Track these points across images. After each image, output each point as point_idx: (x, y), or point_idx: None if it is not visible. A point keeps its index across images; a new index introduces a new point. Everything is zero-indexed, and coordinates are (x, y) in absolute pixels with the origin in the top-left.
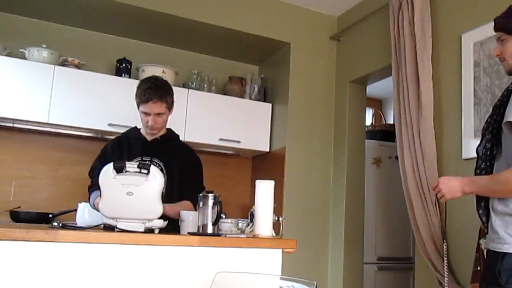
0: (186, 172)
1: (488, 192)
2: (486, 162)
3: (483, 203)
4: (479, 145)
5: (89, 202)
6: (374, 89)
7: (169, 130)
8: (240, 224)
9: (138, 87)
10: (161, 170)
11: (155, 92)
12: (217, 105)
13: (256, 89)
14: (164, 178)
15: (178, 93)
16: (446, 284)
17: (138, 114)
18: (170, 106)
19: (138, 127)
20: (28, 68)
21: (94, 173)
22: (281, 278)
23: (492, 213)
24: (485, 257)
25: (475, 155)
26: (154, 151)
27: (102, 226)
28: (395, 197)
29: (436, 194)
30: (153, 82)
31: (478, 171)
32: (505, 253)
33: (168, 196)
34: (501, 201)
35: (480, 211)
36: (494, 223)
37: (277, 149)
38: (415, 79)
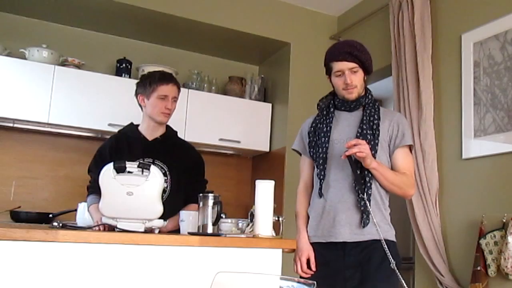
0: (191, 172)
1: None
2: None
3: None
4: None
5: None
6: (374, 89)
7: (167, 127)
8: (240, 224)
9: (146, 78)
10: (165, 173)
11: (170, 76)
12: (217, 105)
13: (256, 89)
14: (168, 181)
15: None
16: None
17: (137, 114)
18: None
19: (135, 123)
20: (28, 68)
21: (91, 175)
22: (281, 278)
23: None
24: None
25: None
26: (156, 153)
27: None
28: (394, 197)
29: (348, 151)
30: (161, 71)
31: None
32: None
33: (173, 198)
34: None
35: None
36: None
37: (277, 149)
38: (415, 79)
